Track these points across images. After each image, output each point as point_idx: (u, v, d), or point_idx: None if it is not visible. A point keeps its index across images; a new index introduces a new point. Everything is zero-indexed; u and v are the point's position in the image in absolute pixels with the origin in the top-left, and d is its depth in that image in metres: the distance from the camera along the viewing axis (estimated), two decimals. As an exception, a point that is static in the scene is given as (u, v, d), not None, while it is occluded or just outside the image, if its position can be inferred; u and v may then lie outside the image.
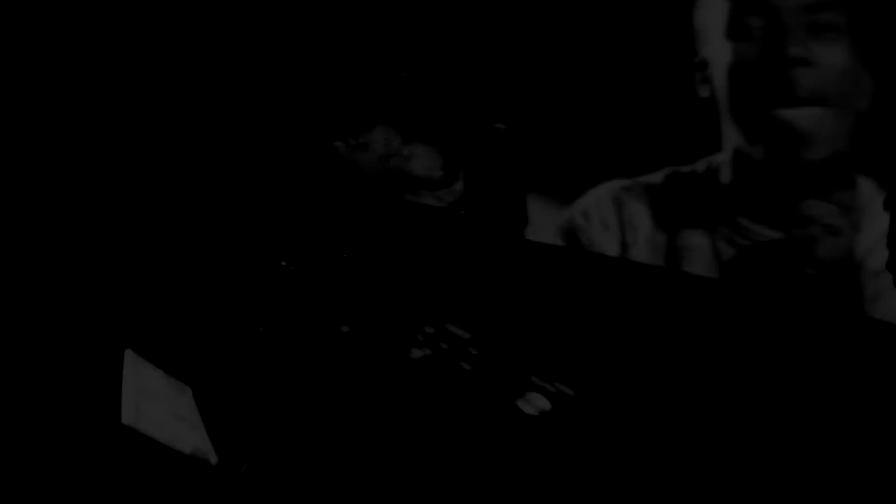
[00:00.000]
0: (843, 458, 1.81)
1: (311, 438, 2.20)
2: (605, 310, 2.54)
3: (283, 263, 2.99)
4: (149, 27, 2.54)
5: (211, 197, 3.02)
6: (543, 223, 2.52)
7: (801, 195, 1.80)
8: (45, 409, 1.61)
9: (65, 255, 2.45)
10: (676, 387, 2.30)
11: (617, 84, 2.13)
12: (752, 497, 1.97)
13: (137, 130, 2.77)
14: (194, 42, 2.62)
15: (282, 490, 2.02)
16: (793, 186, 1.78)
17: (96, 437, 1.71)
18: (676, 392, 2.30)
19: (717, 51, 1.84)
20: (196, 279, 2.80)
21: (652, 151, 2.10)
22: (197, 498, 1.78)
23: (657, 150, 2.09)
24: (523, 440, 2.24)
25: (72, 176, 2.59)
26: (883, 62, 1.62)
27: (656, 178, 2.09)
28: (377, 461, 2.17)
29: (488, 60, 2.52)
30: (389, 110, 3.02)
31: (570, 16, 2.11)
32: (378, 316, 2.99)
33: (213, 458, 1.88)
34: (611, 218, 2.20)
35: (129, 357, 1.94)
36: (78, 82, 2.38)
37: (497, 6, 2.32)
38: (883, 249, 1.25)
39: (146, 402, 1.87)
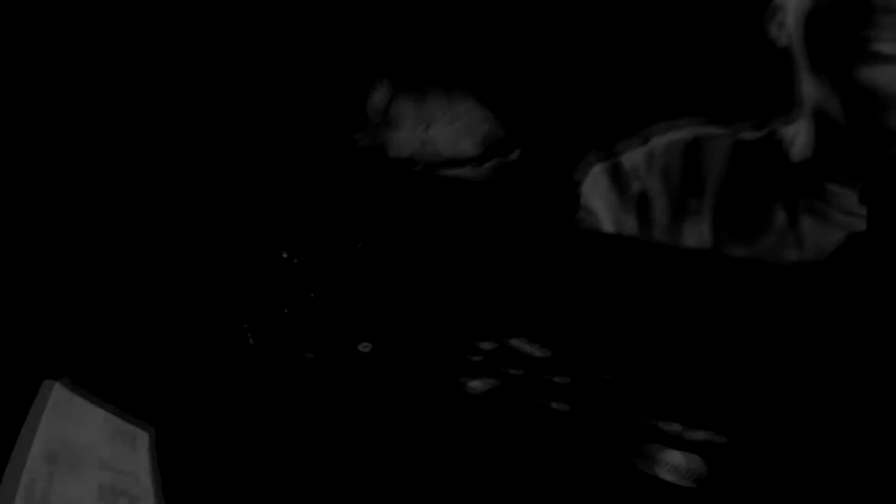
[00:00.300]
0: None
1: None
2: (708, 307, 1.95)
3: (284, 255, 2.42)
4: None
5: (192, 173, 2.45)
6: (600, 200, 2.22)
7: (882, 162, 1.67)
8: None
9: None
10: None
11: (684, 32, 1.96)
12: None
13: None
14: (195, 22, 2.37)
15: None
16: (874, 152, 1.68)
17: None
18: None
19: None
20: (166, 274, 2.25)
21: (722, 107, 1.92)
22: None
23: (728, 106, 1.91)
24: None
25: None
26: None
27: (726, 136, 1.92)
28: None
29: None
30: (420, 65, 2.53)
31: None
32: (410, 327, 2.20)
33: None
34: (675, 169, 1.99)
35: (57, 394, 1.45)
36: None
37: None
38: None
39: (61, 472, 1.34)
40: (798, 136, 1.80)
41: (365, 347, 2.11)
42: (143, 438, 1.59)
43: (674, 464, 1.56)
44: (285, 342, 2.14)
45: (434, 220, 2.48)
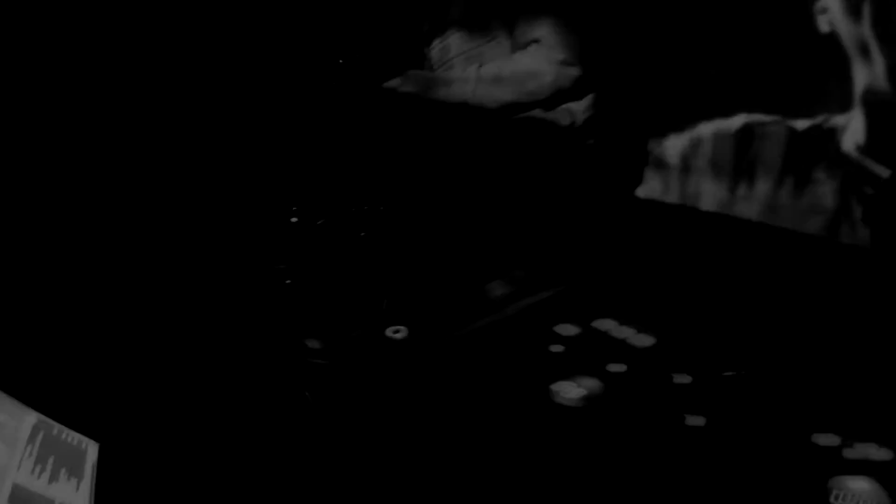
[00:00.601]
0: None
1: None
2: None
3: (294, 220, 1.98)
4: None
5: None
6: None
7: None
8: None
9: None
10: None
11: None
12: None
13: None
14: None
15: None
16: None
17: None
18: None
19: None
20: (127, 239, 1.82)
21: (771, 96, 1.88)
22: None
23: (777, 96, 1.87)
24: None
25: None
26: None
27: (777, 124, 1.87)
28: None
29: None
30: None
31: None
32: (458, 306, 1.68)
33: None
34: (724, 157, 1.94)
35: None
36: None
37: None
38: None
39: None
40: (850, 123, 1.74)
41: (397, 333, 1.57)
42: (90, 455, 1.25)
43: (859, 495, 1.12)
44: (285, 326, 1.64)
45: (486, 173, 2.01)
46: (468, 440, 1.17)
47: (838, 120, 1.78)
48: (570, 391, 1.23)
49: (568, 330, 1.51)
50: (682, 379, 1.33)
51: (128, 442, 1.34)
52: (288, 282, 1.79)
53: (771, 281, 1.75)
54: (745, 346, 1.53)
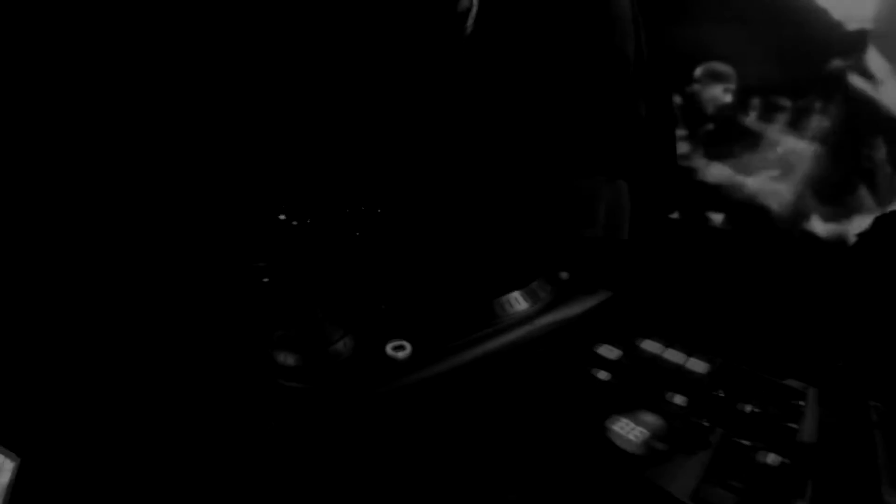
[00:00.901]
0: None
1: None
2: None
3: (282, 217, 1.73)
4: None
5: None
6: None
7: None
8: None
9: None
10: None
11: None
12: None
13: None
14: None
15: None
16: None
17: None
18: None
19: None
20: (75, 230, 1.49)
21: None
22: None
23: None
24: None
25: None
26: None
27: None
28: None
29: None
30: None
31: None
32: (474, 318, 1.41)
33: None
34: None
35: None
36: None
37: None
38: None
39: None
40: None
41: (398, 350, 1.30)
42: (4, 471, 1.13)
43: None
44: (257, 333, 1.36)
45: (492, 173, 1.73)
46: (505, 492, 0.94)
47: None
48: (626, 431, 1.00)
49: (609, 351, 1.30)
50: (748, 408, 1.12)
51: (55, 456, 1.14)
52: (265, 280, 1.54)
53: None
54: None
